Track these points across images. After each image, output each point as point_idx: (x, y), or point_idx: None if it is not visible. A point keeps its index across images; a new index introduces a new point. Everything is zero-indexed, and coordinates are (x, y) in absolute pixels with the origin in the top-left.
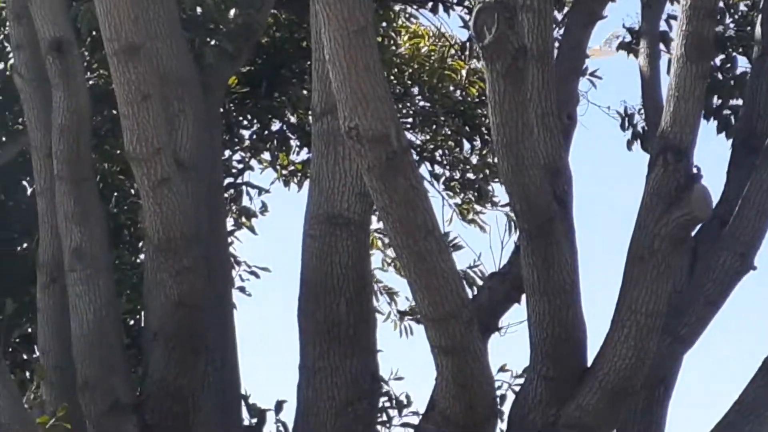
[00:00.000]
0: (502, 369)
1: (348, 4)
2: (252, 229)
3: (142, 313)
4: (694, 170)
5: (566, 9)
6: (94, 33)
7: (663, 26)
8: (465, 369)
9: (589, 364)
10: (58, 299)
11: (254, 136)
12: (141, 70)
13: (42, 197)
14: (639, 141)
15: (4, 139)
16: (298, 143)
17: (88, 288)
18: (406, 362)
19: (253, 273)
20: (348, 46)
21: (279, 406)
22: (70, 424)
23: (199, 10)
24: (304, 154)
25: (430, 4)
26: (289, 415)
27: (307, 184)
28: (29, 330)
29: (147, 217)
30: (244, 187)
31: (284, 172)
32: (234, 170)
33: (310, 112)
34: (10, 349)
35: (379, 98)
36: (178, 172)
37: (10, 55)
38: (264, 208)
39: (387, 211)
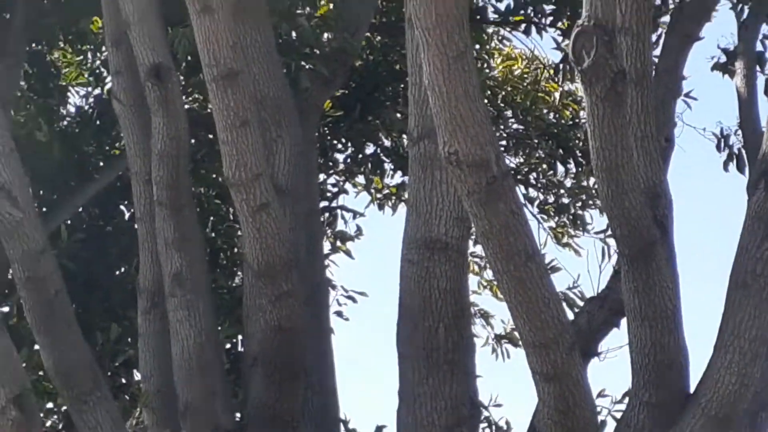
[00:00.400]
0: (600, 394)
1: (447, 29)
2: (348, 254)
3: (239, 337)
4: None
5: (662, 30)
6: (189, 58)
7: (759, 47)
8: (566, 395)
9: (692, 390)
10: (159, 324)
11: (348, 160)
12: (239, 96)
13: (142, 223)
14: (735, 162)
15: (102, 164)
16: (393, 166)
17: (188, 313)
18: (504, 386)
19: (350, 297)
20: (447, 71)
21: (379, 431)
22: None
23: (294, 34)
24: (398, 178)
25: (523, 26)
26: None
27: (401, 207)
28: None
29: (246, 243)
30: (338, 211)
31: (379, 195)
32: (329, 194)
33: (404, 136)
34: (109, 374)
35: (478, 123)
36: (277, 197)
37: (107, 80)
38: (359, 232)
39: (487, 237)
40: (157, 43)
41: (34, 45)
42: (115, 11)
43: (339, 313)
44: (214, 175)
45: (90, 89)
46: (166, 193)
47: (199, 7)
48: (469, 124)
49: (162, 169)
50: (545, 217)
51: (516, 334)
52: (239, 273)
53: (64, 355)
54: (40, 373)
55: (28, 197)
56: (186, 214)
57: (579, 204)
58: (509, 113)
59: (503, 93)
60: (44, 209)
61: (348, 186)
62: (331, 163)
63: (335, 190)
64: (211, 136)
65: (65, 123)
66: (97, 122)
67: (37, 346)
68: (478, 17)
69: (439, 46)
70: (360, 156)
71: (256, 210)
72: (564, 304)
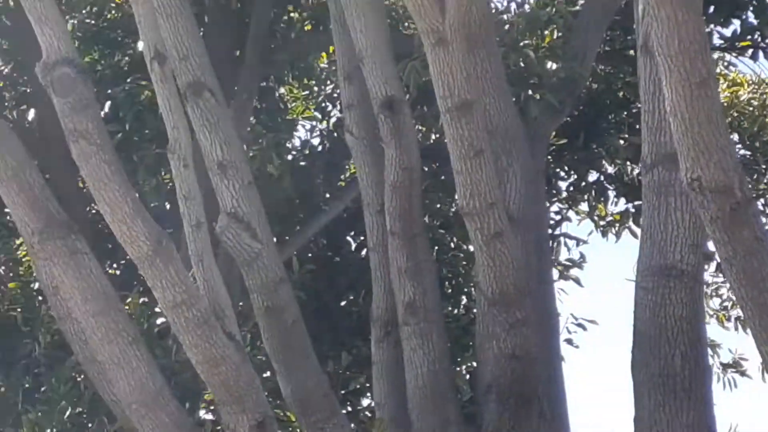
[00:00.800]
0: None
1: (690, 56)
2: (578, 281)
3: (463, 365)
4: None
5: None
6: (414, 90)
7: None
8: None
9: None
10: (392, 352)
11: (571, 187)
12: (473, 126)
13: (374, 253)
14: None
15: (329, 195)
16: (616, 193)
17: (422, 341)
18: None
19: (580, 325)
20: (690, 97)
21: None
22: None
23: (522, 64)
24: (622, 205)
25: (749, 51)
26: None
27: (625, 234)
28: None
29: (480, 271)
30: (562, 238)
31: (602, 222)
32: (552, 221)
33: (628, 162)
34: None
35: (721, 149)
36: (509, 226)
37: (333, 113)
38: (582, 259)
39: (731, 263)
40: (389, 76)
41: (263, 82)
42: (348, 46)
43: (569, 341)
44: (438, 205)
45: (316, 123)
46: (399, 223)
47: (434, 40)
48: (713, 150)
49: (395, 199)
50: None
51: (743, 363)
52: (464, 301)
53: (301, 383)
54: (270, 400)
55: (267, 229)
56: (419, 243)
57: None
58: (736, 138)
59: (729, 119)
60: (275, 240)
61: (571, 213)
62: (554, 191)
63: (558, 217)
64: (435, 166)
65: (291, 156)
66: (326, 155)
67: (268, 374)
68: None
69: (682, 73)
70: (583, 183)
71: (490, 239)
72: None
